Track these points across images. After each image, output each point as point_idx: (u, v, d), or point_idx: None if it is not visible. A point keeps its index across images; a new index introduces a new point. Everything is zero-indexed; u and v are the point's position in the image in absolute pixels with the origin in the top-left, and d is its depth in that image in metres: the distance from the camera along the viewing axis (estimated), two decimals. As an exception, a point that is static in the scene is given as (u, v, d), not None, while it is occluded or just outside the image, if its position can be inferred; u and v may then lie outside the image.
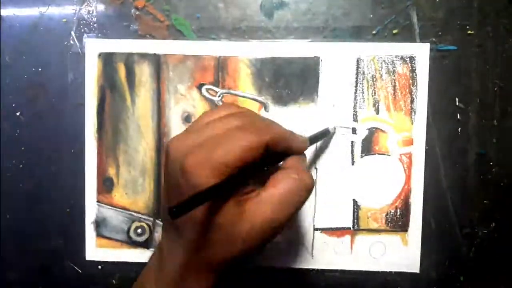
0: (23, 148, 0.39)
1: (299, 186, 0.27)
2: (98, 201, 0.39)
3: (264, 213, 0.25)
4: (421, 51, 0.37)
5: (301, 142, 0.30)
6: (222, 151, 0.25)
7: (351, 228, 0.38)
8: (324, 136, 0.36)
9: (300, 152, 0.30)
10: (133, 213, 0.39)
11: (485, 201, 0.37)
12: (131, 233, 0.39)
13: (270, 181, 0.27)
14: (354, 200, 0.38)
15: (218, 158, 0.24)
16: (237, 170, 0.25)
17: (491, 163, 0.37)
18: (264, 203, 0.26)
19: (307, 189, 0.27)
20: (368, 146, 0.38)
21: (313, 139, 0.33)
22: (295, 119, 0.37)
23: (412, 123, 0.37)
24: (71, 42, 0.38)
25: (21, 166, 0.39)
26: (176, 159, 0.26)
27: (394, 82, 0.37)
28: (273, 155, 0.27)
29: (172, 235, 0.27)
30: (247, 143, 0.25)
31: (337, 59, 0.37)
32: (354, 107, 0.37)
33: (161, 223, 0.38)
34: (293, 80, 0.37)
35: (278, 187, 0.26)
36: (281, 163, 0.29)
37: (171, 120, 0.38)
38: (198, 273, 0.26)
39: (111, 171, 0.38)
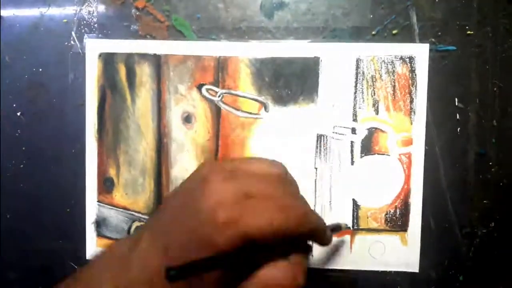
0: (23, 148, 0.39)
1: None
2: (98, 201, 0.39)
3: None
4: (421, 52, 0.37)
5: (328, 238, 0.29)
6: (263, 220, 0.23)
7: (351, 228, 0.38)
8: (336, 231, 0.35)
9: (324, 245, 0.29)
10: (133, 213, 0.39)
11: (484, 201, 0.37)
12: (132, 233, 0.39)
13: (267, 268, 0.25)
14: (353, 200, 0.38)
15: (253, 226, 0.23)
16: (262, 243, 0.23)
17: (491, 163, 0.37)
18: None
19: None
20: (368, 146, 0.38)
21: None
22: (295, 119, 0.38)
23: (412, 123, 0.37)
24: (72, 42, 0.38)
25: (21, 166, 0.39)
26: (212, 204, 0.23)
27: (394, 82, 0.37)
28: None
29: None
30: (293, 220, 0.24)
31: (336, 59, 0.37)
32: (354, 107, 0.37)
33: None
34: (293, 80, 0.37)
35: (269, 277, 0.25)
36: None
37: (171, 120, 0.38)
38: None
39: (112, 171, 0.38)
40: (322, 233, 0.28)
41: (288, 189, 0.26)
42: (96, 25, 0.38)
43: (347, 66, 0.37)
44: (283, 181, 0.26)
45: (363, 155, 0.38)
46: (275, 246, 0.25)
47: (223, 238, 0.23)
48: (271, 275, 0.25)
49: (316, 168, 0.38)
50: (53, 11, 0.38)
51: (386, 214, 0.38)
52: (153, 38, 0.38)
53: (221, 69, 0.38)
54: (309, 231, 0.25)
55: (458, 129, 0.37)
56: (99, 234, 0.39)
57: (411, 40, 0.37)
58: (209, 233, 0.23)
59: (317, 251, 0.38)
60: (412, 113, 0.37)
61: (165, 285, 0.23)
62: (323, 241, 0.29)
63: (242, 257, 0.23)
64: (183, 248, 0.24)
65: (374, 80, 0.37)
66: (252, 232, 0.23)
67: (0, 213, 0.39)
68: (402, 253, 0.38)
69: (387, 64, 0.37)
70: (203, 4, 0.38)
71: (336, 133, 0.38)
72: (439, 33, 0.37)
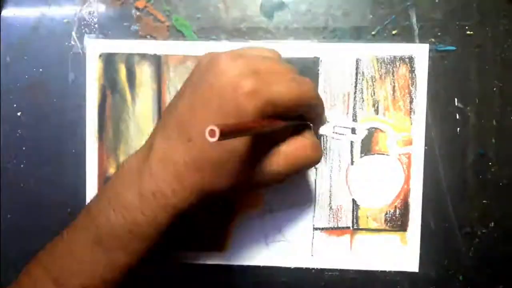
0: (23, 148, 0.39)
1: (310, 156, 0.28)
2: (98, 201, 0.39)
3: (273, 164, 0.27)
4: (421, 52, 0.37)
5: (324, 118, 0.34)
6: (282, 88, 0.25)
7: (351, 228, 0.38)
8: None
9: (320, 124, 0.33)
10: (133, 213, 0.39)
11: (484, 201, 0.38)
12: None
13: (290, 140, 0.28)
14: (353, 199, 0.38)
15: (276, 93, 0.25)
16: (282, 113, 0.26)
17: (490, 163, 0.37)
18: (276, 155, 0.27)
19: (315, 160, 0.29)
20: (368, 146, 0.38)
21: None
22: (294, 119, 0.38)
23: (411, 123, 0.37)
24: (72, 42, 0.38)
25: (21, 166, 0.39)
26: (230, 77, 0.25)
27: (394, 83, 0.37)
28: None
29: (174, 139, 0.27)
30: (305, 89, 0.26)
31: (336, 60, 0.37)
32: (354, 107, 0.38)
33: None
34: (293, 81, 0.37)
35: (292, 146, 0.28)
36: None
37: (171, 120, 0.38)
38: (189, 189, 0.26)
39: (112, 171, 0.38)
40: (323, 109, 0.32)
41: (290, 67, 0.28)
42: (96, 25, 0.38)
43: (347, 66, 0.37)
44: (283, 61, 0.29)
45: (363, 155, 0.38)
46: (290, 121, 0.27)
47: (251, 106, 0.24)
48: (294, 146, 0.28)
49: (316, 168, 0.38)
50: (54, 11, 0.38)
51: (386, 214, 0.38)
52: (154, 38, 0.38)
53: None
54: (319, 102, 0.29)
55: (458, 129, 0.37)
56: (100, 234, 0.39)
57: (411, 40, 0.37)
58: (236, 105, 0.24)
59: (317, 251, 0.38)
60: (412, 113, 0.37)
61: (192, 175, 0.26)
62: (323, 119, 0.34)
63: (267, 126, 0.25)
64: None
65: (374, 80, 0.37)
66: (274, 97, 0.25)
67: (0, 213, 0.39)
68: (402, 253, 0.38)
69: (387, 64, 0.37)
70: (203, 4, 0.38)
71: (336, 133, 0.38)
72: (439, 33, 0.37)
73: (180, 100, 0.27)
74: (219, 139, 0.20)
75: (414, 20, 0.37)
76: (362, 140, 0.38)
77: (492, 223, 0.38)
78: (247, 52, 0.28)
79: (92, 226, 0.28)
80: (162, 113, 0.38)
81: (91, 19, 0.38)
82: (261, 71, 0.25)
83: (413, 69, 0.37)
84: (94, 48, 0.38)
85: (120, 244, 0.27)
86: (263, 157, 0.27)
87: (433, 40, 0.37)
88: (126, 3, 0.38)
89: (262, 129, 0.25)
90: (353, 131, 0.38)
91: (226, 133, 0.21)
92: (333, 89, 0.37)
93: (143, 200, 0.26)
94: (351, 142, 0.38)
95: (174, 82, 0.38)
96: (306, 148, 0.28)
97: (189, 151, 0.26)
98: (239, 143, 0.25)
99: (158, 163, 0.27)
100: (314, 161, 0.29)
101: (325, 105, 0.37)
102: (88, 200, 0.39)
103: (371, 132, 0.38)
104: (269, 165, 0.27)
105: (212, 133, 0.20)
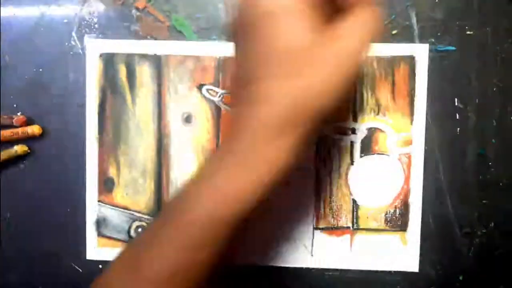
0: (24, 148, 0.39)
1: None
2: (99, 201, 0.39)
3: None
4: (420, 52, 0.37)
5: None
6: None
7: (351, 228, 0.38)
8: None
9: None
10: (134, 212, 0.39)
11: (484, 201, 0.38)
12: (132, 233, 0.39)
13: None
14: (353, 199, 0.38)
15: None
16: None
17: (490, 163, 0.37)
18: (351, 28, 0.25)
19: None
20: (368, 146, 0.38)
21: None
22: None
23: (411, 123, 0.37)
24: (72, 42, 0.38)
25: (21, 166, 0.39)
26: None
27: (394, 83, 0.37)
28: None
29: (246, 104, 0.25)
30: None
31: (337, 60, 0.37)
32: (354, 107, 0.38)
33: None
34: (293, 81, 0.37)
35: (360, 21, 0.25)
36: None
37: (171, 121, 0.38)
38: (282, 131, 0.24)
39: (112, 171, 0.39)
40: None
41: None
42: (96, 26, 0.38)
43: (347, 66, 0.37)
44: None
45: (363, 155, 0.38)
46: None
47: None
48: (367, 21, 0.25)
49: (316, 168, 0.38)
50: (54, 11, 0.38)
51: (386, 214, 0.38)
52: (154, 38, 0.38)
53: (221, 69, 0.38)
54: None
55: (458, 129, 0.37)
56: (100, 234, 0.39)
57: (411, 40, 0.37)
58: None
59: (317, 251, 0.38)
60: (412, 113, 0.37)
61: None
62: None
63: None
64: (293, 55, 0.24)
65: (374, 80, 0.37)
66: None
67: (0, 213, 0.39)
68: (402, 253, 0.38)
69: (387, 64, 0.37)
70: (203, 4, 0.38)
71: (336, 133, 0.38)
72: (439, 33, 0.37)
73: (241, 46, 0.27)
74: None
75: (414, 20, 0.37)
76: (362, 140, 0.38)
77: (492, 223, 0.38)
78: None
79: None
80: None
81: (91, 19, 0.38)
82: None
83: (413, 69, 0.37)
84: (94, 48, 0.38)
85: None
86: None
87: (433, 40, 0.37)
88: (126, 3, 0.38)
89: None
90: (353, 131, 0.38)
91: None
92: (333, 89, 0.37)
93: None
94: (351, 142, 0.38)
95: (174, 82, 0.38)
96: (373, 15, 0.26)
97: (301, 89, 0.24)
98: None
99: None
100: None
101: (325, 105, 0.37)
102: (88, 199, 0.39)
103: (371, 132, 0.38)
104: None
105: None
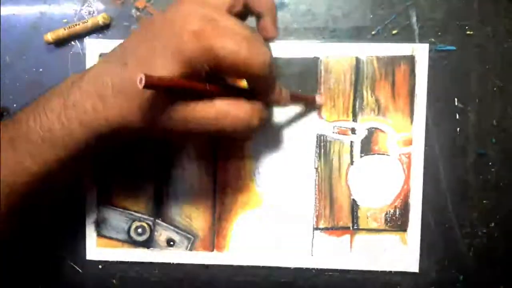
0: (23, 148, 0.39)
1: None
2: (98, 201, 0.39)
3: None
4: (421, 52, 0.37)
5: (284, 96, 0.30)
6: (230, 42, 0.24)
7: (351, 228, 0.38)
8: (307, 103, 0.37)
9: (272, 97, 0.29)
10: (133, 212, 0.39)
11: (484, 201, 0.37)
12: (132, 233, 0.39)
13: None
14: (353, 199, 0.38)
15: (221, 43, 0.24)
16: (225, 71, 0.25)
17: (490, 163, 0.37)
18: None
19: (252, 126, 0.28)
20: (368, 146, 0.38)
21: (294, 98, 0.33)
22: (294, 119, 0.38)
23: (412, 123, 0.37)
24: (72, 42, 0.38)
25: (21, 166, 0.39)
26: (184, 14, 0.25)
27: (394, 83, 0.37)
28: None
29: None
30: (256, 52, 0.25)
31: (336, 60, 0.37)
32: (354, 107, 0.38)
33: (162, 223, 0.39)
34: (293, 81, 0.37)
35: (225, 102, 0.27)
36: None
37: (171, 120, 0.38)
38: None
39: (112, 172, 0.38)
40: (275, 86, 0.29)
41: (257, 35, 0.27)
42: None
43: (347, 66, 0.37)
44: (252, 27, 0.27)
45: (363, 155, 0.38)
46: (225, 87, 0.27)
47: (193, 45, 0.24)
48: (229, 106, 0.27)
49: (316, 168, 0.38)
50: (53, 11, 0.38)
51: (386, 214, 0.38)
52: (153, 38, 0.38)
53: (221, 69, 0.38)
54: (268, 75, 0.26)
55: (458, 129, 0.37)
56: (99, 234, 0.39)
57: (411, 40, 0.37)
58: (179, 42, 0.24)
59: (317, 251, 0.38)
60: (412, 113, 0.37)
61: (114, 99, 0.26)
62: (275, 96, 0.29)
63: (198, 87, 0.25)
64: (144, 61, 0.25)
65: (374, 80, 0.37)
66: (218, 47, 0.24)
67: (0, 213, 0.39)
68: (402, 253, 0.38)
69: (387, 64, 0.37)
70: (203, 4, 0.38)
71: (336, 133, 0.38)
72: (439, 33, 0.37)
73: (137, 30, 0.28)
74: (143, 87, 0.21)
75: (414, 20, 0.37)
76: (362, 140, 0.38)
77: (492, 223, 0.38)
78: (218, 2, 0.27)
79: (11, 126, 0.29)
80: None
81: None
82: (218, 22, 0.25)
83: (413, 69, 0.37)
84: (94, 48, 0.38)
85: (30, 149, 0.28)
86: (192, 101, 0.26)
87: (433, 40, 0.37)
88: (126, 3, 0.38)
89: (193, 88, 0.25)
90: (353, 131, 0.38)
91: (150, 85, 0.22)
92: (333, 89, 0.37)
93: (64, 108, 0.27)
94: (351, 142, 0.38)
95: (174, 82, 0.38)
96: (241, 108, 0.27)
97: (120, 74, 0.26)
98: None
99: (89, 79, 0.27)
100: (246, 125, 0.27)
101: (325, 105, 0.37)
102: (87, 200, 0.39)
103: (371, 132, 0.38)
104: (197, 111, 0.26)
105: (141, 80, 0.21)
